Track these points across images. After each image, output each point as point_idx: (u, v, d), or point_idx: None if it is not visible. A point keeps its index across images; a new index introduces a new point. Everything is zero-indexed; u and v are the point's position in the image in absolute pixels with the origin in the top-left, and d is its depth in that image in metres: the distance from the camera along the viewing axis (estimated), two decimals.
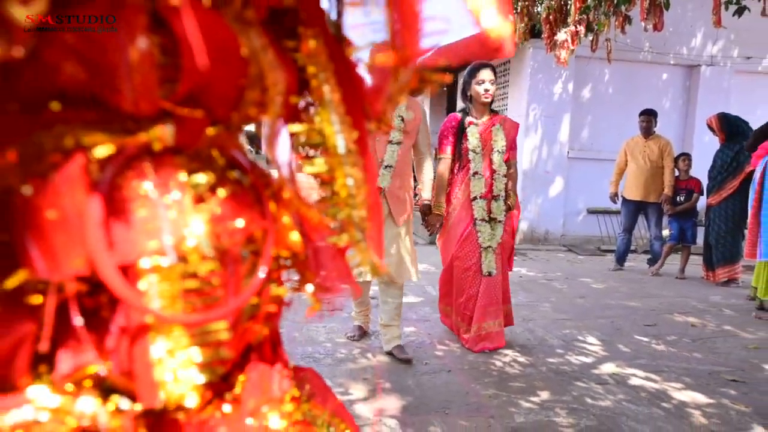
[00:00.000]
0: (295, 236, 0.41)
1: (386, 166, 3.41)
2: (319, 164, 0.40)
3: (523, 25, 6.69)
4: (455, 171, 3.82)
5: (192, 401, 0.35)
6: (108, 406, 0.37)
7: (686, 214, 6.77)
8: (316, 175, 0.41)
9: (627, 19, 6.47)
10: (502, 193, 3.75)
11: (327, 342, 3.76)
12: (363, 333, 3.87)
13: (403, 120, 3.39)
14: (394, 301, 3.56)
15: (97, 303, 0.35)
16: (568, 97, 8.89)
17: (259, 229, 0.38)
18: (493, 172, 3.74)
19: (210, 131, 0.36)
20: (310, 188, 0.42)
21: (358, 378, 3.08)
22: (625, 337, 4.21)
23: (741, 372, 3.48)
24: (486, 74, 3.63)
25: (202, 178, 0.36)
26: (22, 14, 0.26)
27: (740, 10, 6.11)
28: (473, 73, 3.69)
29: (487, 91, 3.62)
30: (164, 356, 0.34)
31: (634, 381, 3.27)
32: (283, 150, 0.41)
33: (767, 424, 2.75)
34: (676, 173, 6.76)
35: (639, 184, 6.75)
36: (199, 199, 0.35)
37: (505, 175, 3.76)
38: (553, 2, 6.58)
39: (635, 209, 6.93)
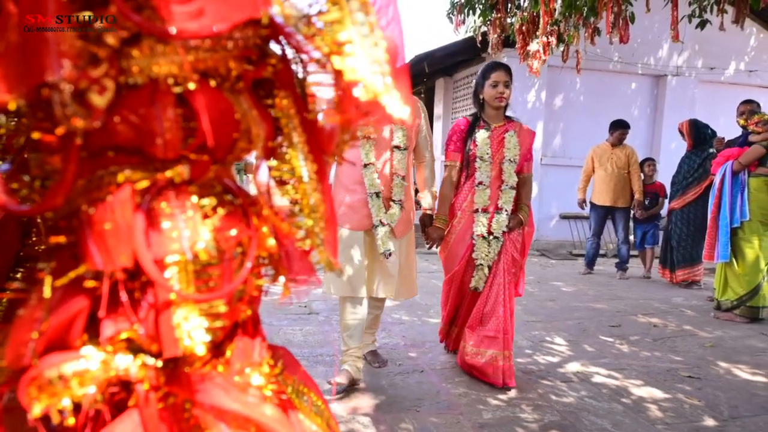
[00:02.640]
0: (271, 242, 0.57)
1: (402, 177, 3.09)
2: (290, 189, 0.56)
3: (495, 36, 6.86)
4: (462, 180, 3.44)
5: (200, 351, 0.51)
6: (137, 361, 0.52)
7: (650, 217, 7.00)
8: (287, 197, 0.57)
9: (596, 31, 6.65)
10: (507, 207, 3.33)
11: (304, 344, 3.85)
12: (352, 383, 3.10)
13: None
14: (376, 312, 3.41)
15: (132, 287, 0.50)
16: (541, 106, 9.12)
17: (246, 236, 0.54)
18: (501, 182, 3.33)
19: (212, 169, 0.51)
20: (282, 206, 0.58)
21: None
22: (590, 337, 4.38)
23: (697, 369, 3.67)
24: (500, 75, 3.23)
25: (207, 201, 0.52)
26: (99, 101, 0.41)
27: (702, 23, 6.36)
28: (486, 74, 3.29)
29: (501, 94, 3.23)
30: (182, 321, 0.50)
31: (596, 379, 3.43)
32: (263, 179, 0.56)
33: (717, 416, 2.93)
34: (642, 178, 6.99)
35: (608, 190, 6.91)
36: (205, 216, 0.52)
37: (513, 187, 3.34)
38: (525, 14, 6.75)
39: (604, 214, 7.11)
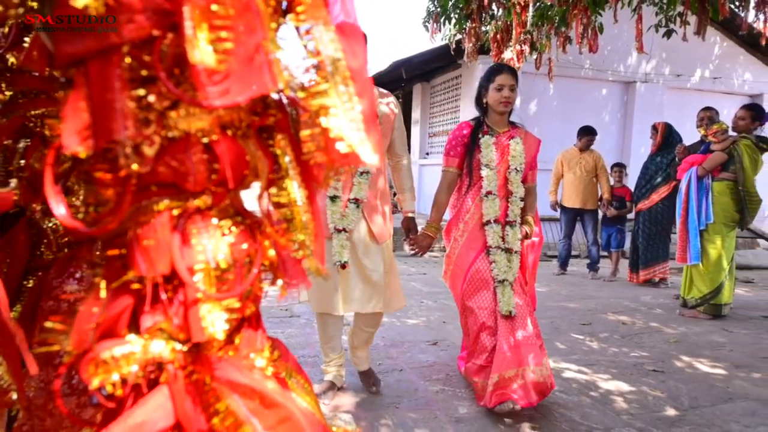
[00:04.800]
0: (272, 252, 0.73)
1: (362, 173, 2.90)
2: (286, 210, 0.71)
3: (471, 45, 7.05)
4: (464, 190, 3.21)
5: (220, 337, 0.66)
6: (168, 346, 0.67)
7: (615, 221, 7.23)
8: (284, 217, 0.72)
9: (567, 40, 6.86)
10: (519, 219, 3.14)
11: (286, 346, 3.97)
12: (335, 390, 3.16)
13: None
14: (370, 330, 3.19)
15: (167, 288, 0.65)
16: (515, 111, 9.32)
17: (253, 249, 0.69)
18: (509, 193, 3.12)
19: (228, 197, 0.67)
20: (280, 224, 0.73)
21: (315, 379, 3.22)
22: (562, 335, 4.55)
23: (661, 363, 3.84)
24: (506, 78, 3.02)
25: (224, 222, 0.67)
26: (150, 152, 0.56)
27: (668, 33, 6.63)
28: (491, 77, 3.08)
29: (506, 98, 3.03)
30: (206, 314, 0.65)
31: (567, 374, 3.58)
32: (265, 203, 0.72)
33: (678, 406, 3.10)
34: (611, 181, 7.22)
35: (578, 192, 7.12)
36: (223, 234, 0.67)
37: (522, 199, 3.15)
38: (499, 23, 6.95)
39: (573, 216, 7.33)
